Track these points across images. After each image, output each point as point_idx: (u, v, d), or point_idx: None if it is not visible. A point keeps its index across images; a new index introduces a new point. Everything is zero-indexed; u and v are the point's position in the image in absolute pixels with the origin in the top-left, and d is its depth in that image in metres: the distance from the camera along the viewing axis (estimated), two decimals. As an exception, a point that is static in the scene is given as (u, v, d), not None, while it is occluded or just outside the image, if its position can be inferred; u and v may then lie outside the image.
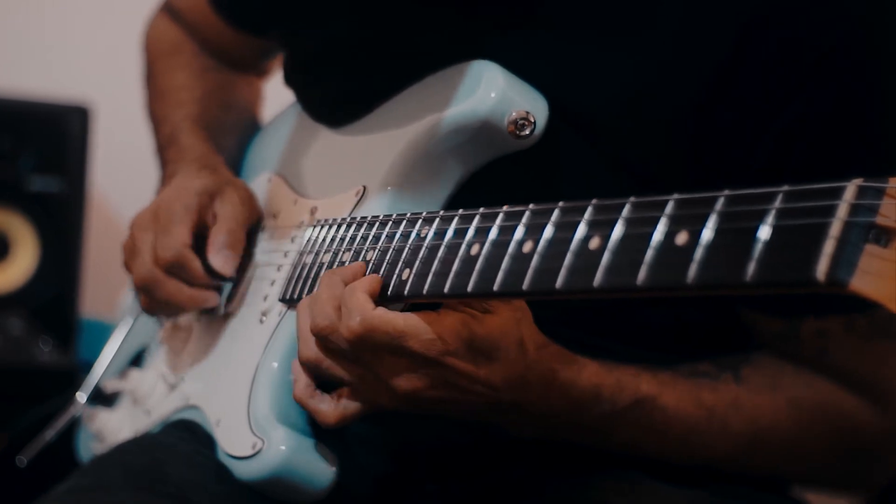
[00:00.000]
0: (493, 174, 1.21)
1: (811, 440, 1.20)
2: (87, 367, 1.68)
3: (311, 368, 1.14)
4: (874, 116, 1.12)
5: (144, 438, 1.37)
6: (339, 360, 1.11)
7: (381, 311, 1.05)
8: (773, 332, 1.21)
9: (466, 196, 1.22)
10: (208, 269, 1.34)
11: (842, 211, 0.71)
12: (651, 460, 1.20)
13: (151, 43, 1.71)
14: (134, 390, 1.49)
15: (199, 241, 1.36)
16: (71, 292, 2.38)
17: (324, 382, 1.16)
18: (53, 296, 2.37)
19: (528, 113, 1.16)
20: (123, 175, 2.62)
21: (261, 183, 1.47)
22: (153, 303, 1.37)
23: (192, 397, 1.36)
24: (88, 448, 1.58)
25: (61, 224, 2.37)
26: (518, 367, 1.07)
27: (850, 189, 0.72)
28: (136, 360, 1.57)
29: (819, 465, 1.24)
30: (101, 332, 1.80)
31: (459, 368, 1.06)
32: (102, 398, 1.56)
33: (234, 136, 1.58)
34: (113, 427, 1.51)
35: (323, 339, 1.10)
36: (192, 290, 1.35)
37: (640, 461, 1.21)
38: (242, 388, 1.24)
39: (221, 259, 1.34)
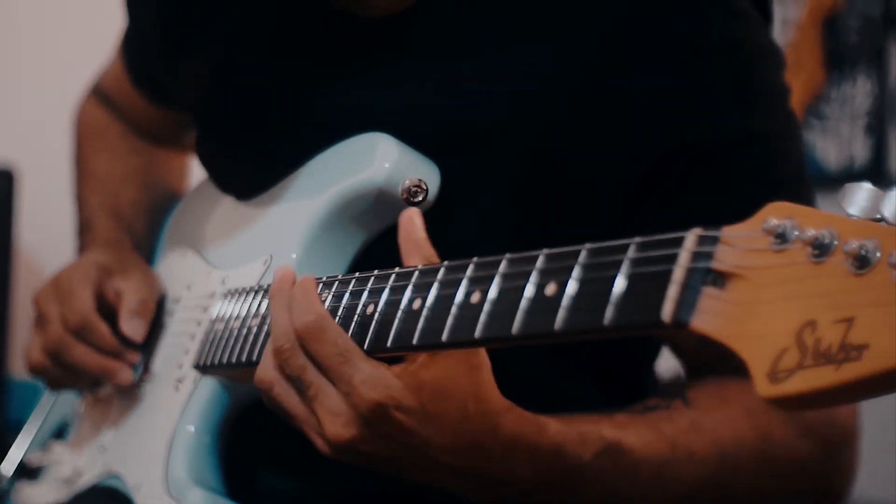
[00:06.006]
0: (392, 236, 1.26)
1: (777, 445, 1.19)
2: (16, 426, 1.69)
3: (264, 392, 1.09)
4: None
5: None
6: (288, 386, 1.06)
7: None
8: (715, 353, 1.23)
9: (372, 258, 1.25)
10: (118, 337, 1.38)
11: (683, 258, 0.78)
12: None
13: (80, 126, 1.77)
14: (57, 462, 1.52)
15: (104, 313, 1.40)
16: (0, 351, 2.41)
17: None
18: (-19, 356, 2.39)
19: (420, 180, 1.22)
20: (50, 236, 2.65)
21: (176, 258, 1.52)
22: (61, 370, 1.40)
23: (111, 465, 1.39)
24: None
25: (-11, 286, 2.40)
26: (473, 427, 1.01)
27: (690, 238, 0.78)
28: (59, 433, 1.59)
29: (791, 471, 1.21)
30: (30, 392, 1.82)
31: (404, 422, 0.99)
32: (26, 472, 1.57)
33: (150, 217, 1.63)
34: (37, 499, 1.53)
35: (282, 358, 1.05)
36: (101, 357, 1.37)
37: None
38: (160, 453, 1.28)
39: (133, 325, 1.37)
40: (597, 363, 1.31)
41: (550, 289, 0.89)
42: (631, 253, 0.83)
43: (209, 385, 1.30)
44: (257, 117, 1.38)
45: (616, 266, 0.84)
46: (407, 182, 1.21)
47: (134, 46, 1.62)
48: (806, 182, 1.24)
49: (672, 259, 0.79)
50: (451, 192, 1.23)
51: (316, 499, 1.38)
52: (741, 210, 1.10)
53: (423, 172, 1.23)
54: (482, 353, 1.00)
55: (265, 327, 1.20)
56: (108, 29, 2.04)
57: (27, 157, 2.52)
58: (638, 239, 0.84)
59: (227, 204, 1.47)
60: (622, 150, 1.18)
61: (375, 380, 0.98)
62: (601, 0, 1.18)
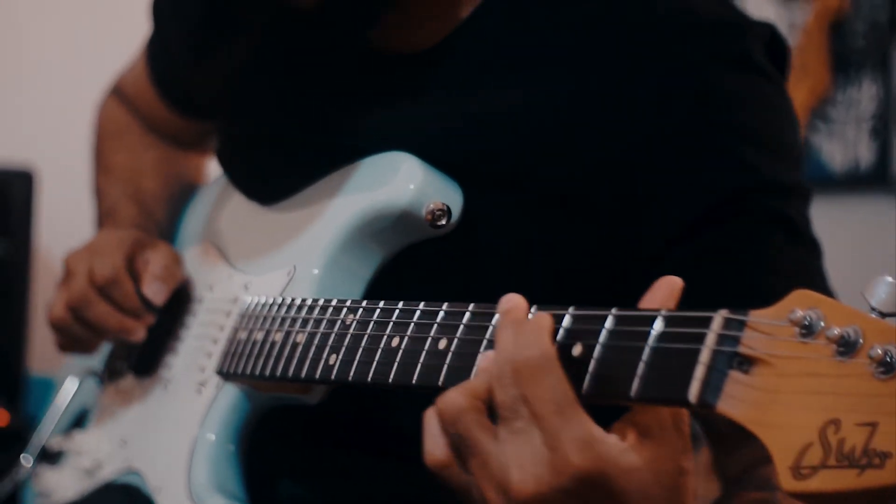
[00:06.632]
0: (413, 256, 1.28)
1: None
2: (33, 423, 1.74)
3: (449, 413, 0.93)
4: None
5: None
6: (481, 413, 0.93)
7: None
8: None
9: (389, 277, 1.29)
10: (140, 298, 1.41)
11: (710, 340, 0.80)
12: None
13: (101, 124, 1.78)
14: (78, 451, 1.53)
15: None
16: (18, 350, 2.44)
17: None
18: (1, 354, 2.42)
19: (444, 204, 1.23)
20: (69, 236, 2.67)
21: (198, 252, 1.53)
22: (79, 327, 1.42)
23: (132, 462, 1.41)
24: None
25: (8, 284, 2.43)
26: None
27: (718, 319, 0.81)
28: (79, 420, 1.61)
29: None
30: (47, 389, 1.85)
31: (600, 499, 0.88)
32: (48, 456, 1.59)
33: (171, 207, 1.65)
34: (58, 486, 1.55)
35: (493, 385, 0.92)
36: (121, 315, 1.40)
37: None
38: (182, 458, 1.30)
39: (155, 288, 1.41)
40: None
41: (577, 350, 0.91)
42: (658, 326, 0.85)
43: (231, 393, 1.32)
44: (284, 129, 1.39)
45: (643, 338, 0.86)
46: (431, 205, 1.23)
47: (162, 60, 1.64)
48: (815, 240, 1.24)
49: (700, 339, 0.81)
50: (474, 218, 1.24)
51: None
52: (758, 263, 1.13)
53: (446, 195, 1.24)
54: (691, 458, 0.92)
55: (290, 341, 1.22)
56: (128, 31, 2.05)
57: (46, 158, 2.54)
58: (664, 312, 0.86)
59: (250, 206, 1.48)
60: (651, 196, 1.19)
61: (587, 443, 0.87)
62: (627, 44, 1.19)
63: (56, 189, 2.60)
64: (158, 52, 1.64)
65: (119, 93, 1.78)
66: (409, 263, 1.28)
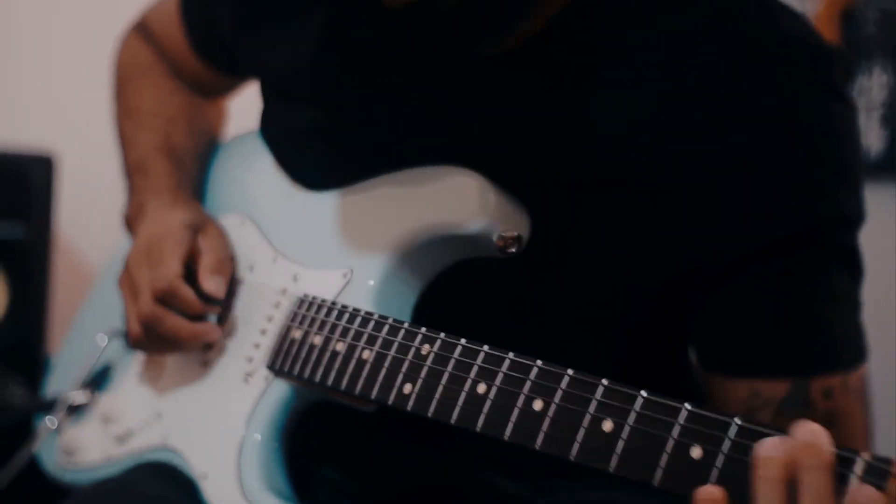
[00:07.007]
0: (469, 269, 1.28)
1: None
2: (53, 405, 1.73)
3: None
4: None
5: (126, 485, 1.41)
6: None
7: None
8: (778, 399, 1.23)
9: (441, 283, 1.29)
10: (200, 296, 1.39)
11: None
12: None
13: (123, 61, 1.73)
14: (107, 413, 1.52)
15: (189, 275, 1.41)
16: (38, 334, 2.46)
17: None
18: (21, 337, 2.43)
19: (517, 234, 1.23)
20: (89, 222, 2.70)
21: (233, 224, 1.50)
22: (157, 342, 1.40)
23: (170, 438, 1.41)
24: (54, 460, 1.61)
25: (28, 268, 2.43)
26: None
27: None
28: (99, 378, 1.60)
29: None
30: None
31: None
32: (73, 411, 1.59)
33: (200, 162, 1.61)
34: (83, 446, 1.54)
35: None
36: (193, 324, 1.39)
37: None
38: (230, 453, 1.31)
39: (213, 283, 1.39)
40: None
41: (607, 425, 0.98)
42: (681, 418, 0.93)
43: (280, 389, 1.31)
44: (347, 116, 1.36)
45: (668, 428, 0.94)
46: (505, 234, 1.22)
47: (199, 14, 1.59)
48: (862, 268, 1.27)
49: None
50: (547, 236, 1.23)
51: (369, 495, 1.42)
52: (822, 295, 1.18)
53: (519, 223, 1.23)
54: None
55: (356, 356, 1.21)
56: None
57: (66, 143, 2.54)
58: (688, 406, 0.94)
59: (291, 185, 1.45)
60: (733, 215, 1.20)
61: None
62: (721, 60, 1.19)
63: (76, 174, 2.61)
64: (196, 4, 1.60)
65: (144, 30, 1.72)
66: (466, 273, 1.28)
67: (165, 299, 1.38)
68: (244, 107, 1.73)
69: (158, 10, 1.70)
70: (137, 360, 1.54)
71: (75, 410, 1.58)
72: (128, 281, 1.43)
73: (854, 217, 1.24)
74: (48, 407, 1.62)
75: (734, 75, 1.19)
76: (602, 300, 1.24)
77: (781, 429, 0.91)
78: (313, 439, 1.37)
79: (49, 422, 1.59)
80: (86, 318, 1.76)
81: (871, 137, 2.70)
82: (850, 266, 1.25)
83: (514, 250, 1.22)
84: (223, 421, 1.34)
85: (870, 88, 2.73)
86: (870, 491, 0.86)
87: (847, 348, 1.23)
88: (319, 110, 1.39)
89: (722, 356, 1.25)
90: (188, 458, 1.37)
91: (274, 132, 1.50)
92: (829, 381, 1.22)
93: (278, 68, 1.42)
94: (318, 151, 1.41)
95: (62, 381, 1.68)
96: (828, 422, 1.16)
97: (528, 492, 1.33)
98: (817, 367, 1.21)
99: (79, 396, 1.57)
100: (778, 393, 1.21)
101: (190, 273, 1.42)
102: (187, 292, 1.39)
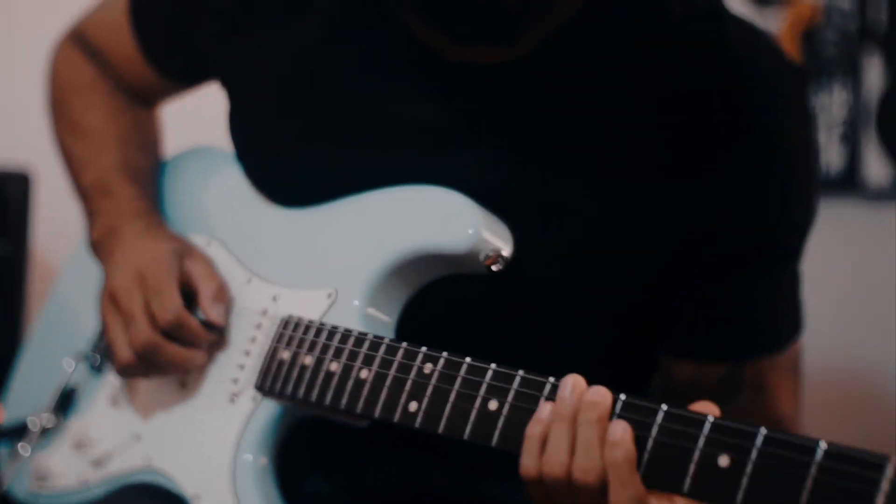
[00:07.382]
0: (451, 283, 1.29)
1: None
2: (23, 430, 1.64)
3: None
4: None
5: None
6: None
7: None
8: (715, 378, 1.35)
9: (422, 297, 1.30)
10: (203, 324, 1.37)
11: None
12: None
13: (62, 75, 1.66)
14: (79, 437, 1.49)
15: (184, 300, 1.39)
16: (15, 349, 2.45)
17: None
18: (-4, 353, 2.42)
19: (502, 253, 1.24)
20: (65, 238, 2.69)
21: (198, 245, 1.45)
22: (148, 369, 1.38)
23: (155, 461, 1.39)
24: (24, 486, 1.56)
25: (5, 285, 2.44)
26: None
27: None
28: (64, 402, 1.55)
29: None
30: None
31: None
32: (30, 435, 1.55)
33: (154, 179, 1.57)
34: (56, 471, 1.50)
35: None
36: (189, 351, 1.36)
37: None
38: (223, 474, 1.30)
39: (216, 312, 1.36)
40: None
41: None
42: (705, 429, 1.00)
43: (270, 408, 1.30)
44: (329, 128, 1.34)
45: (694, 440, 0.99)
46: (492, 254, 1.23)
47: (154, 17, 1.54)
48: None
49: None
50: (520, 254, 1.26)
51: (355, 501, 1.43)
52: (778, 292, 1.30)
53: (504, 242, 1.24)
54: None
55: (352, 375, 1.20)
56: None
57: (43, 160, 2.53)
58: (711, 418, 0.99)
59: (258, 200, 1.42)
60: (712, 227, 1.28)
61: None
62: (700, 78, 1.26)
63: (52, 190, 2.59)
64: (150, 6, 1.55)
65: (81, 40, 1.65)
66: (447, 289, 1.29)
67: (172, 331, 1.35)
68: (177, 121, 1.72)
69: (97, 17, 1.64)
70: (107, 383, 1.51)
71: (43, 435, 1.55)
72: (115, 309, 1.39)
73: (808, 224, 1.34)
74: (17, 432, 1.59)
75: (712, 92, 1.26)
76: (582, 298, 1.30)
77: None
78: (296, 452, 1.36)
79: (22, 449, 1.55)
80: (38, 343, 1.72)
81: (832, 154, 2.74)
82: (796, 261, 1.36)
83: (499, 268, 1.24)
84: (211, 441, 1.33)
85: (830, 107, 2.77)
86: (622, 425, 1.03)
87: (781, 334, 1.37)
88: (300, 118, 1.36)
89: (674, 342, 1.37)
90: (178, 479, 1.36)
91: (246, 145, 1.45)
92: (760, 363, 1.36)
93: (277, 68, 1.38)
94: (296, 163, 1.37)
95: (21, 404, 1.64)
96: (756, 392, 1.34)
97: (517, 498, 1.35)
98: (752, 354, 1.35)
99: (47, 420, 1.54)
100: (716, 374, 1.35)
101: (188, 297, 1.39)
102: (194, 322, 1.36)
